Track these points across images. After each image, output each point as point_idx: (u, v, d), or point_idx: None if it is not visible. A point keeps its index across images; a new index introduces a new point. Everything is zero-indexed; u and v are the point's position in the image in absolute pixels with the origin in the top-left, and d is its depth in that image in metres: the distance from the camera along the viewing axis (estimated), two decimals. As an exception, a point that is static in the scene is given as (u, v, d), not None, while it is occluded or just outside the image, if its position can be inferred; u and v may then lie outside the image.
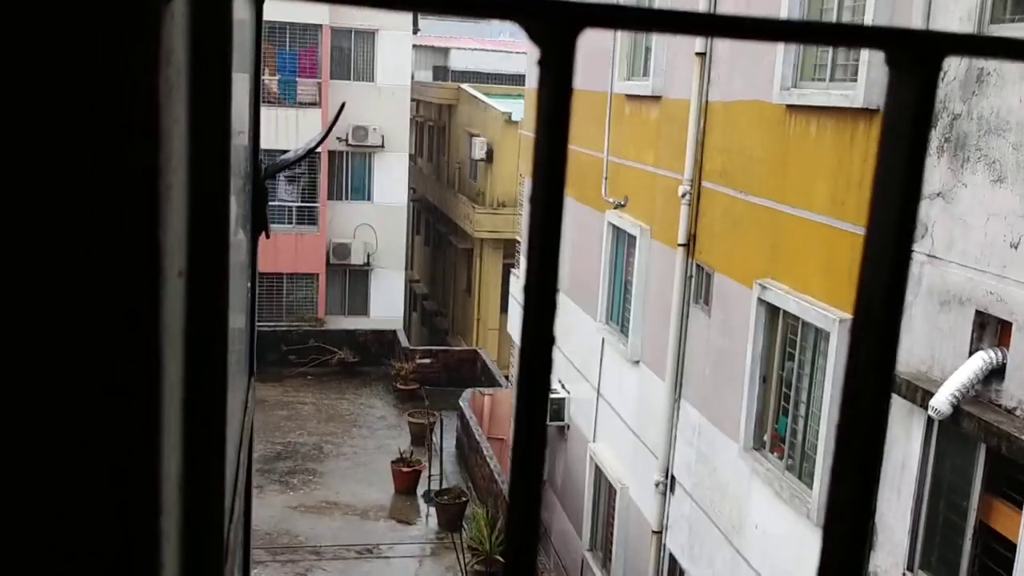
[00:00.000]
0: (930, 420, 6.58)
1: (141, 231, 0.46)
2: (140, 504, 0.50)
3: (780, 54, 8.71)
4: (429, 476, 18.14)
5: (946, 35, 0.53)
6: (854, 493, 0.56)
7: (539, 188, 0.51)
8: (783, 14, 8.66)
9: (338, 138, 26.67)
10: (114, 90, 0.44)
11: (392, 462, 18.39)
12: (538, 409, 0.53)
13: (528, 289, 0.53)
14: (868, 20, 7.46)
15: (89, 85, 0.44)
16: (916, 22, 6.88)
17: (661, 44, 11.56)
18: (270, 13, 27.50)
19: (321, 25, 26.03)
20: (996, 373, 6.11)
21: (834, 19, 8.21)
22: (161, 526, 0.52)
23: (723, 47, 10.11)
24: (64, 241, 0.45)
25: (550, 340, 0.55)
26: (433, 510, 17.34)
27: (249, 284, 1.62)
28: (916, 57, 0.52)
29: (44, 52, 0.44)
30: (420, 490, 18.22)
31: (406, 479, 18.12)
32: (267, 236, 1.77)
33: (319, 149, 25.98)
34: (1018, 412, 5.93)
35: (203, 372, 0.67)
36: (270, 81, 26.03)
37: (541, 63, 0.50)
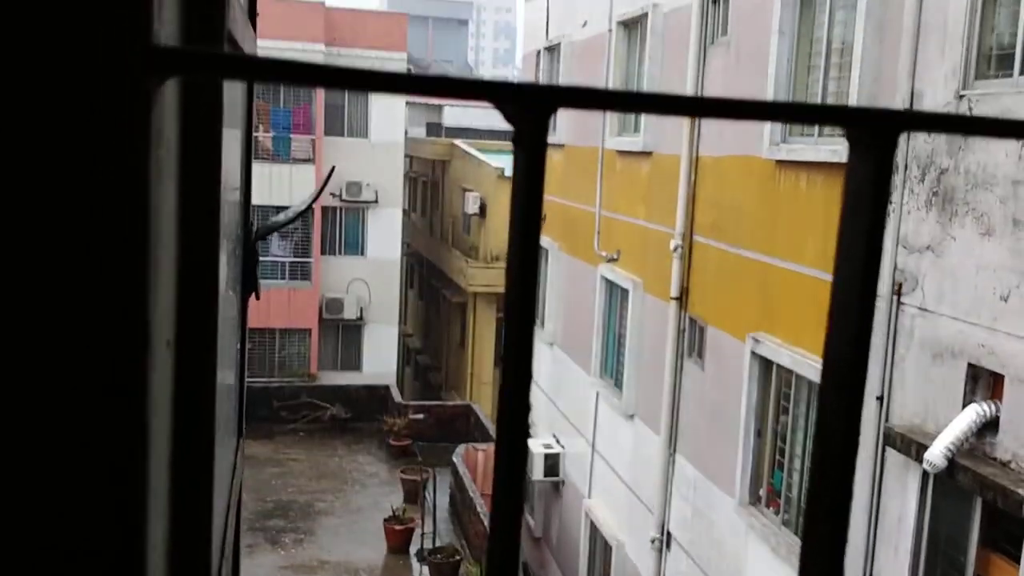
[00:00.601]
0: (925, 474, 6.56)
1: (128, 306, 0.48)
2: (124, 573, 0.51)
3: (768, 110, 8.83)
4: (422, 534, 17.92)
5: (902, 113, 0.56)
6: (829, 534, 0.57)
7: (514, 257, 0.53)
8: (770, 83, 8.79)
9: (332, 194, 26.81)
10: (104, 171, 0.46)
11: (384, 520, 18.18)
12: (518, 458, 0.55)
13: (506, 362, 0.54)
14: (855, 77, 7.58)
15: (79, 166, 0.45)
16: (902, 80, 6.99)
17: (651, 101, 11.71)
18: (265, 71, 27.67)
19: (316, 83, 26.29)
20: (990, 426, 6.10)
21: (820, 79, 8.35)
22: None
23: (712, 103, 10.24)
24: (54, 317, 0.46)
25: (526, 410, 0.56)
26: (426, 569, 17.10)
27: (239, 345, 1.63)
28: (873, 134, 0.55)
29: (41, 130, 0.46)
30: (413, 548, 17.98)
31: (399, 537, 17.90)
32: (257, 298, 1.79)
33: (312, 205, 26.11)
34: (1013, 465, 5.92)
35: (191, 441, 0.68)
36: (264, 138, 26.24)
37: (514, 141, 0.52)
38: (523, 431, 0.56)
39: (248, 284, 1.65)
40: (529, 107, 0.52)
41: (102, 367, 0.48)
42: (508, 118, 0.53)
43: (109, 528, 0.49)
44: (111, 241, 0.47)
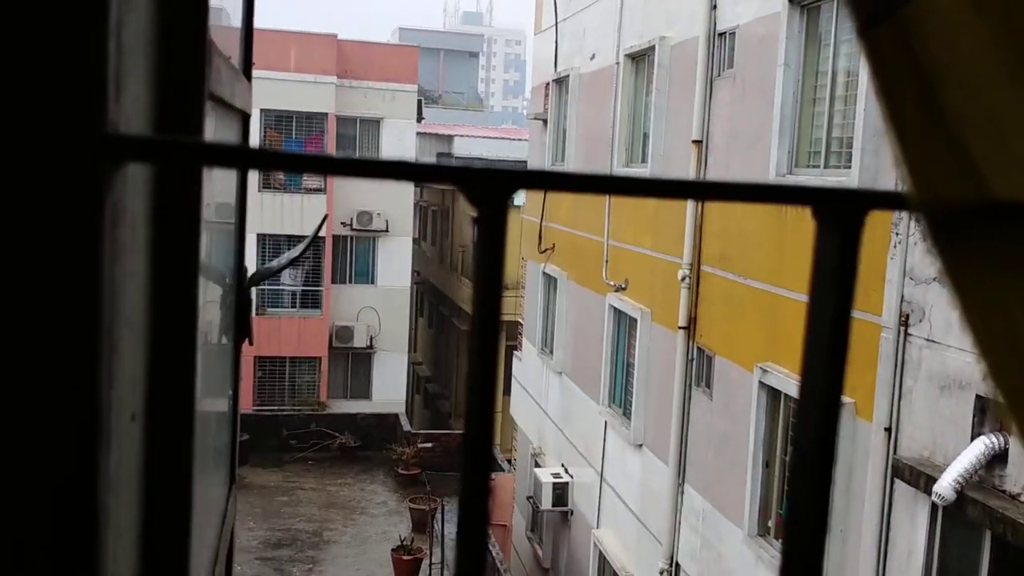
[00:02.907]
0: (934, 506, 6.50)
1: (79, 384, 0.47)
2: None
3: (775, 141, 8.85)
4: (430, 564, 17.81)
5: (867, 192, 0.56)
6: (808, 548, 0.56)
7: (476, 337, 0.54)
8: (775, 115, 8.81)
9: (342, 223, 26.93)
10: (54, 255, 0.46)
11: (392, 550, 18.09)
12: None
13: (465, 446, 0.54)
14: (860, 109, 7.59)
15: (30, 250, 0.45)
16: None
17: (659, 131, 11.76)
18: (277, 102, 27.80)
19: (327, 114, 26.51)
20: (999, 458, 6.05)
21: (826, 110, 8.36)
22: None
23: (720, 135, 10.27)
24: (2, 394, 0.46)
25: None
26: (435, 599, 16.99)
27: (231, 391, 1.63)
28: (839, 213, 0.54)
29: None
30: (422, 578, 17.87)
31: (407, 567, 17.79)
32: (250, 343, 1.79)
33: (323, 234, 26.21)
34: (1022, 498, 5.86)
35: (165, 508, 0.68)
36: (275, 167, 26.37)
37: (476, 222, 0.53)
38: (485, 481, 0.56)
39: (241, 330, 1.65)
40: (490, 190, 0.53)
41: (50, 445, 0.48)
42: (471, 200, 0.54)
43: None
44: (59, 323, 0.47)
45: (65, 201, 0.45)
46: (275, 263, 3.69)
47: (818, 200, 0.54)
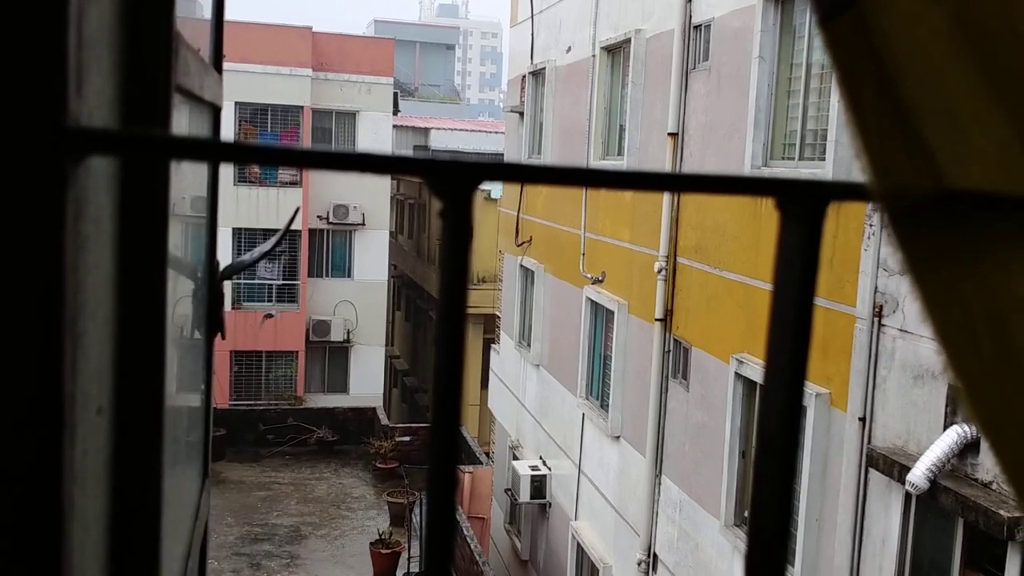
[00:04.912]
0: (908, 495, 6.57)
1: (41, 377, 0.47)
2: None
3: (750, 133, 8.89)
4: (409, 558, 17.82)
5: (829, 183, 0.56)
6: (772, 536, 0.57)
7: (442, 324, 0.54)
8: (750, 107, 8.85)
9: (319, 216, 26.82)
10: (10, 255, 0.45)
11: (371, 544, 18.07)
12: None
13: (434, 431, 0.54)
14: (834, 100, 7.64)
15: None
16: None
17: (635, 124, 11.78)
18: (252, 95, 27.62)
19: (303, 107, 26.37)
20: (972, 447, 6.12)
21: (801, 102, 8.41)
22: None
23: (695, 128, 10.31)
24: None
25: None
26: (413, 592, 17.00)
27: (204, 386, 1.62)
28: (802, 204, 0.55)
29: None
30: (400, 572, 17.87)
31: (385, 561, 17.79)
32: (223, 337, 1.78)
33: (299, 227, 26.10)
34: (994, 486, 5.93)
35: (134, 502, 0.67)
36: (250, 161, 26.22)
37: (441, 215, 0.54)
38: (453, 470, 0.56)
39: (213, 325, 1.65)
40: (455, 182, 0.53)
41: (11, 436, 0.47)
42: (435, 192, 0.54)
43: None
44: (20, 316, 0.47)
45: (25, 195, 0.45)
46: (248, 256, 3.68)
47: (781, 191, 0.55)
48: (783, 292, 0.56)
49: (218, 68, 1.73)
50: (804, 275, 0.54)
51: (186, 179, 1.36)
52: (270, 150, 0.46)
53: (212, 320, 1.61)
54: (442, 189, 0.52)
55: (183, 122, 1.21)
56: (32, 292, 0.46)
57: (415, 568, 17.59)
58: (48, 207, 0.45)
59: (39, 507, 0.48)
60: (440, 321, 0.54)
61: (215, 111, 1.69)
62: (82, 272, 0.52)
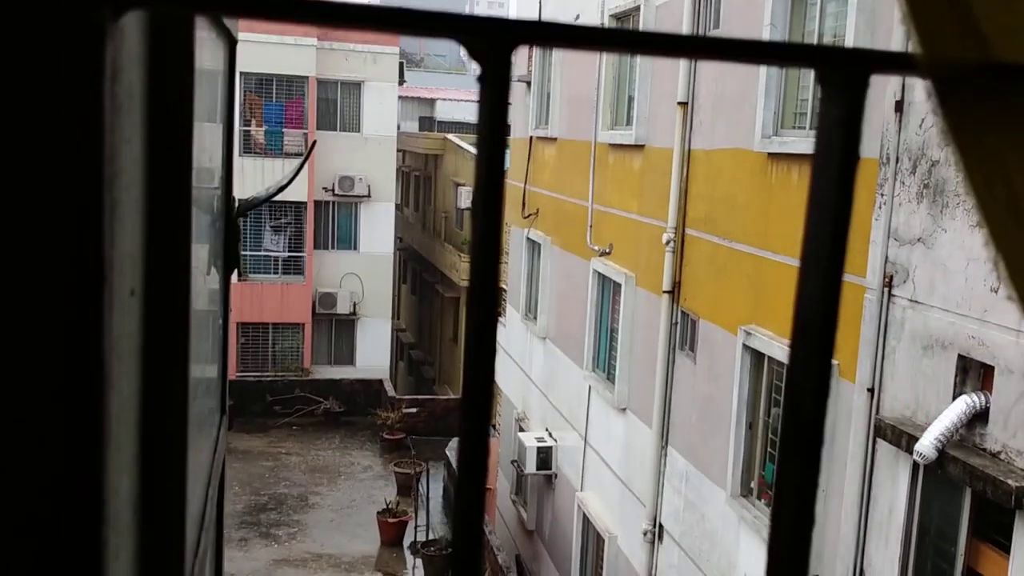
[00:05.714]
0: (916, 465, 6.58)
1: (83, 244, 0.47)
2: (82, 514, 0.50)
3: (761, 102, 8.83)
4: (416, 527, 17.94)
5: (873, 52, 0.55)
6: (796, 507, 0.56)
7: (479, 200, 0.53)
8: (761, 76, 8.79)
9: (324, 188, 26.78)
10: (52, 107, 0.45)
11: (378, 513, 18.20)
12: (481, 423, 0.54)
13: (471, 299, 0.54)
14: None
15: (23, 103, 0.44)
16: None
17: (644, 94, 11.71)
18: (257, 65, 27.51)
19: (308, 77, 26.26)
20: (980, 417, 6.12)
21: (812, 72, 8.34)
22: (106, 537, 0.52)
23: (705, 97, 10.25)
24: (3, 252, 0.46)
25: (491, 363, 0.55)
26: (420, 561, 17.12)
27: (221, 321, 1.62)
28: (844, 74, 0.54)
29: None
30: (407, 541, 18.00)
31: (392, 530, 17.91)
32: (240, 274, 1.78)
33: (305, 199, 26.07)
34: (1002, 456, 5.94)
35: (162, 388, 0.67)
36: (257, 132, 26.18)
37: (480, 79, 0.52)
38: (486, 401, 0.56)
39: (230, 259, 1.64)
40: (493, 41, 0.52)
41: (57, 302, 0.47)
42: (472, 54, 0.53)
43: (65, 466, 0.49)
44: (64, 174, 0.46)
45: (66, 48, 0.44)
46: (262, 192, 3.66)
47: (822, 61, 0.54)
48: (823, 169, 0.55)
49: None
50: (846, 148, 0.53)
51: (204, 140, 1.35)
52: (298, 4, 0.45)
53: (229, 255, 1.61)
54: (480, 49, 0.51)
55: (203, 54, 1.19)
56: (73, 145, 0.46)
57: (421, 537, 17.70)
58: (88, 60, 0.45)
59: (81, 370, 0.48)
60: (477, 190, 0.53)
61: (231, 44, 1.67)
62: (118, 139, 0.51)
